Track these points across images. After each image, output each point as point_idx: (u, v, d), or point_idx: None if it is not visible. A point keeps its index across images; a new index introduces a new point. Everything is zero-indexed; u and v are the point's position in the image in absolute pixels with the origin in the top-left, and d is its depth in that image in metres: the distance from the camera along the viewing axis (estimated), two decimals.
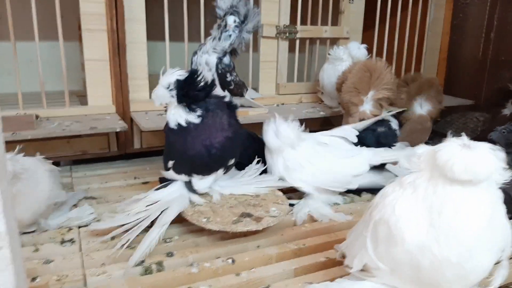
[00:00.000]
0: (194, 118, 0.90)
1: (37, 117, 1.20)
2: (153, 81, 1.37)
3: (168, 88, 0.88)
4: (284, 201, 0.95)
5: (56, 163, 1.29)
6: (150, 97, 1.36)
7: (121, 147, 1.34)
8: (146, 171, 1.31)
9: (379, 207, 0.61)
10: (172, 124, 0.92)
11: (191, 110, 0.90)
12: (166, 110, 0.95)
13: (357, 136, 1.19)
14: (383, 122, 1.28)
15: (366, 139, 1.20)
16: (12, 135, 1.05)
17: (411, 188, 0.59)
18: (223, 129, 0.92)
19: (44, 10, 1.18)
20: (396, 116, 1.42)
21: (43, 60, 1.23)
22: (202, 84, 0.91)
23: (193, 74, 0.90)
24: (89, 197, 1.09)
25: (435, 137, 1.55)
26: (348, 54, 1.51)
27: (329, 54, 1.55)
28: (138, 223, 0.85)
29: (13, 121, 1.08)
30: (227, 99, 0.99)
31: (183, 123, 0.90)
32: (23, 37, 1.40)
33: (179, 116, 0.90)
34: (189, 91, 0.89)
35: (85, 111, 1.28)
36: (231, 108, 0.96)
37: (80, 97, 1.66)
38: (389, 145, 1.21)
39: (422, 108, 1.49)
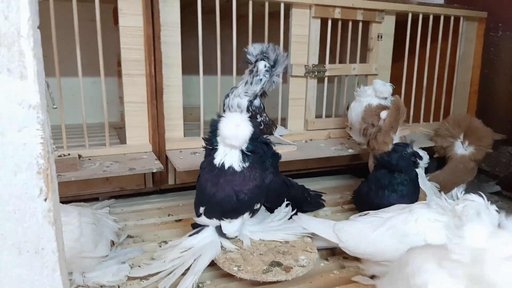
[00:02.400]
0: (238, 167, 0.95)
1: (79, 156, 1.29)
2: (186, 114, 1.46)
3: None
4: (313, 249, 0.98)
5: (95, 199, 1.39)
6: (184, 135, 1.46)
7: (156, 184, 1.41)
8: (179, 207, 1.37)
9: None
10: (217, 161, 0.96)
11: (244, 159, 0.95)
12: (212, 148, 0.99)
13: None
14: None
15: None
16: (57, 177, 1.13)
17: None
18: (254, 179, 0.96)
19: (86, 49, 1.26)
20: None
21: (84, 95, 1.31)
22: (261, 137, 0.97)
23: (256, 127, 0.97)
24: (126, 236, 1.15)
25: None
26: (372, 91, 1.54)
27: (355, 92, 1.58)
28: (173, 271, 0.90)
29: (58, 163, 1.17)
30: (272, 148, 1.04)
31: (226, 166, 0.95)
32: (67, 73, 1.51)
33: (230, 158, 0.95)
34: (254, 141, 0.95)
35: (123, 150, 1.36)
36: (275, 157, 1.01)
37: (117, 129, 1.77)
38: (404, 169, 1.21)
39: (466, 149, 1.51)
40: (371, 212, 1.06)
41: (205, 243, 0.97)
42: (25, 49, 0.36)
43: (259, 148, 0.99)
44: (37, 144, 0.38)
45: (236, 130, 0.94)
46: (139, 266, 0.97)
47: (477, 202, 0.88)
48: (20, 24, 0.35)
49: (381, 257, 0.94)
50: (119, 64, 1.85)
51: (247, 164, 0.96)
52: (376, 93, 1.52)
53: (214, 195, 0.97)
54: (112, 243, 1.04)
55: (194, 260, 0.92)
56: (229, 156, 0.96)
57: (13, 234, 0.39)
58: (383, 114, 1.35)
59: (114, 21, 1.78)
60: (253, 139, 0.97)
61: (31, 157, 0.38)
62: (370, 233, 0.97)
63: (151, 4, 1.28)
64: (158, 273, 0.91)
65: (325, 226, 1.05)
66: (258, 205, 1.03)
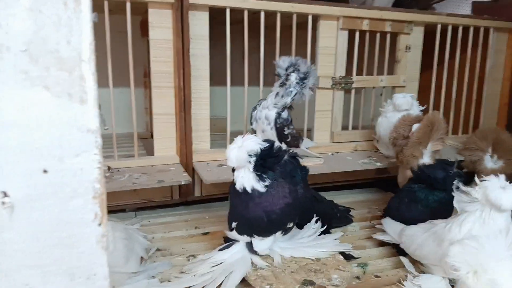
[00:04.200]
0: (260, 187, 0.93)
1: (109, 168, 1.29)
2: (210, 125, 1.46)
3: (248, 154, 0.93)
4: (345, 267, 0.96)
5: (122, 210, 1.39)
6: (210, 146, 1.46)
7: (183, 195, 1.41)
8: (206, 219, 1.36)
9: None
10: (238, 186, 0.96)
11: (261, 179, 0.94)
12: (233, 169, 0.99)
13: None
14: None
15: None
16: None
17: None
18: (284, 196, 0.95)
19: (113, 59, 1.28)
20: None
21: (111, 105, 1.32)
22: (275, 155, 0.95)
23: (272, 145, 0.94)
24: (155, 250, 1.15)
25: None
26: (393, 106, 1.51)
27: (381, 109, 1.56)
28: (204, 286, 0.89)
29: None
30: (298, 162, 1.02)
31: (249, 190, 0.94)
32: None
33: (247, 181, 0.94)
34: (266, 162, 0.93)
35: (151, 162, 1.36)
36: (303, 171, 0.99)
37: (143, 140, 1.78)
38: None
39: (495, 163, 1.45)
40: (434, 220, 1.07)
41: (236, 258, 0.96)
42: (86, 74, 0.35)
43: (272, 166, 0.97)
44: (94, 169, 0.38)
45: (230, 151, 0.94)
46: (169, 281, 0.96)
47: (490, 183, 0.94)
48: (82, 49, 0.35)
49: (424, 259, 1.01)
50: (145, 75, 1.88)
51: (267, 182, 0.95)
52: (395, 107, 1.49)
53: (245, 216, 0.96)
54: (141, 260, 1.03)
55: (225, 277, 0.91)
56: (246, 178, 0.95)
57: (66, 260, 0.38)
58: (415, 126, 1.32)
59: (141, 33, 1.81)
60: (265, 158, 0.95)
61: (88, 182, 0.38)
62: (419, 237, 1.02)
63: (181, 17, 1.29)
64: (188, 287, 0.90)
65: (397, 227, 1.16)
66: (291, 224, 1.01)
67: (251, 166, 0.93)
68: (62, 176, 0.36)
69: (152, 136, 1.41)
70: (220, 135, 1.62)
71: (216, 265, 0.95)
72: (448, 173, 1.17)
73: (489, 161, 1.47)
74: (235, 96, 1.62)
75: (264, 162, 0.93)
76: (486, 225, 0.91)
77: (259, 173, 0.93)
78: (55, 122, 0.35)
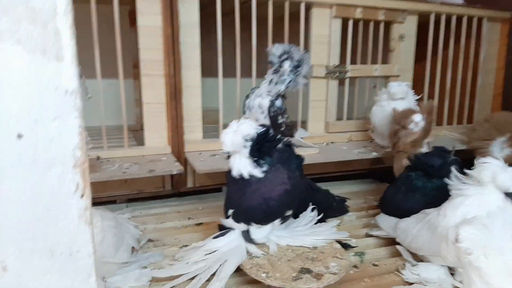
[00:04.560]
0: (258, 172, 0.91)
1: (98, 158, 1.26)
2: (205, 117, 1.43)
3: (244, 138, 0.90)
4: (343, 255, 0.93)
5: (113, 201, 1.36)
6: (203, 136, 1.43)
7: (175, 186, 1.38)
8: (199, 210, 1.33)
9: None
10: (235, 173, 0.93)
11: (258, 165, 0.91)
12: (229, 156, 0.96)
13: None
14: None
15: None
16: None
17: None
18: (283, 182, 0.92)
19: (101, 50, 1.24)
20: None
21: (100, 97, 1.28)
22: (271, 140, 0.92)
23: (268, 129, 0.92)
24: (146, 240, 1.11)
25: None
26: (388, 95, 1.49)
27: (376, 97, 1.54)
28: (197, 275, 0.86)
29: None
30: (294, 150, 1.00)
31: (246, 176, 0.91)
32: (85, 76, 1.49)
33: (243, 167, 0.91)
34: (263, 147, 0.90)
35: (142, 151, 1.33)
36: (298, 159, 0.97)
37: (134, 132, 1.74)
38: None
39: (502, 151, 1.40)
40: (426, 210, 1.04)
41: (231, 247, 0.93)
42: (62, 28, 0.32)
43: (269, 150, 0.94)
44: (74, 135, 0.34)
45: (226, 135, 0.91)
46: (162, 268, 0.93)
47: (493, 164, 0.93)
48: (57, 0, 0.31)
49: (421, 251, 0.98)
50: (135, 66, 1.83)
51: (265, 167, 0.92)
52: (390, 95, 1.46)
53: (242, 204, 0.93)
54: (132, 250, 1.00)
55: (220, 265, 0.88)
56: (242, 164, 0.92)
57: (45, 235, 0.35)
58: (417, 117, 1.29)
59: (130, 23, 1.77)
60: (264, 142, 0.92)
61: (67, 149, 0.34)
62: (413, 228, 1.00)
63: (170, 4, 1.26)
64: (181, 275, 0.87)
65: (391, 222, 1.15)
66: (290, 212, 0.98)
67: (247, 151, 0.90)
68: (38, 142, 0.33)
69: (142, 128, 1.38)
70: (212, 127, 1.58)
71: (210, 253, 0.92)
72: (445, 160, 1.16)
73: (497, 148, 1.44)
74: (228, 88, 1.59)
75: (261, 147, 0.90)
76: (483, 207, 0.89)
77: (255, 158, 0.91)
78: (28, 80, 0.31)
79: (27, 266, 0.34)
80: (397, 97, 1.46)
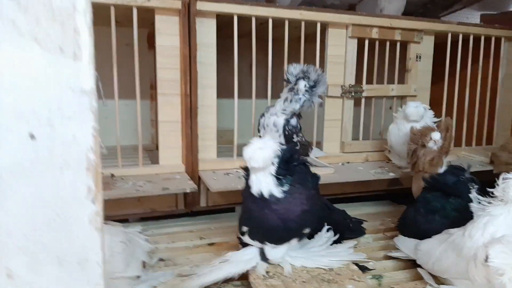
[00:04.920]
0: (278, 192, 0.89)
1: (112, 176, 1.26)
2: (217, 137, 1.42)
3: (274, 153, 0.88)
4: (360, 277, 0.90)
5: (125, 220, 1.34)
6: (217, 155, 1.42)
7: (188, 205, 1.36)
8: (211, 230, 1.31)
9: None
10: (254, 191, 0.91)
11: (280, 183, 0.89)
12: (247, 173, 0.94)
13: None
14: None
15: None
16: None
17: None
18: (302, 203, 0.90)
19: (119, 72, 1.26)
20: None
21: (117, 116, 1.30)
22: (296, 158, 0.91)
23: (292, 148, 0.91)
24: (158, 260, 1.09)
25: None
26: (404, 115, 1.47)
27: (394, 114, 1.52)
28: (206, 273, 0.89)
29: None
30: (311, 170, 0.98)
31: (266, 195, 0.89)
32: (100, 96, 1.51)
33: (265, 185, 0.89)
34: (288, 165, 0.89)
35: (156, 170, 1.33)
36: (314, 178, 0.95)
37: (149, 152, 1.74)
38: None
39: None
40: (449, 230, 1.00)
41: (243, 259, 0.92)
42: (81, 27, 0.32)
43: (292, 169, 0.92)
44: (88, 136, 0.33)
45: (254, 152, 0.88)
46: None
47: None
48: None
49: (445, 273, 0.93)
50: (151, 87, 1.86)
51: (286, 187, 0.90)
52: (405, 116, 1.44)
53: (260, 223, 0.91)
54: (144, 264, 0.98)
55: (220, 268, 0.89)
56: (264, 182, 0.90)
57: (54, 242, 0.33)
58: (436, 135, 1.26)
59: (149, 46, 1.80)
60: (286, 161, 0.90)
61: (80, 152, 0.33)
62: (436, 250, 0.95)
63: (188, 25, 1.28)
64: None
65: (410, 244, 1.10)
66: (307, 230, 0.96)
67: (274, 168, 0.88)
68: (52, 143, 0.32)
69: (157, 148, 1.38)
70: (227, 147, 1.58)
71: (223, 261, 0.93)
72: (459, 178, 1.12)
73: None
74: (243, 109, 1.59)
75: (286, 165, 0.89)
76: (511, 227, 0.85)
77: (280, 177, 0.89)
78: (44, 80, 0.31)
79: (35, 274, 0.33)
80: (411, 118, 1.43)
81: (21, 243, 0.32)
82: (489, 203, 0.93)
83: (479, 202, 0.96)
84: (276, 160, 0.88)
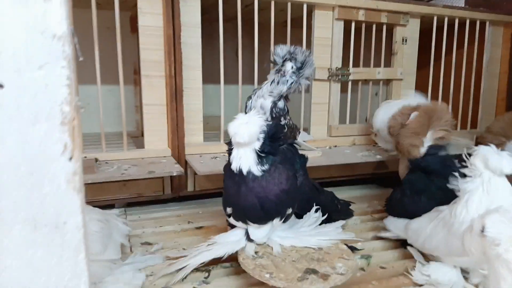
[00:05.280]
0: (257, 170, 0.87)
1: (96, 160, 1.22)
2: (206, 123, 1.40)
3: (260, 129, 0.86)
4: (350, 256, 0.89)
5: (111, 205, 1.31)
6: (203, 140, 1.39)
7: (175, 190, 1.34)
8: (199, 214, 1.29)
9: None
10: (234, 166, 0.89)
11: (260, 162, 0.87)
12: (228, 151, 0.92)
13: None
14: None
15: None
16: None
17: None
18: (280, 183, 0.88)
19: (102, 56, 1.22)
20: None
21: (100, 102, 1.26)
22: (281, 136, 0.89)
23: (277, 124, 0.89)
24: (144, 243, 1.07)
25: None
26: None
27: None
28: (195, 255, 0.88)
29: None
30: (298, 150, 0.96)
31: (244, 172, 0.87)
32: (82, 81, 1.46)
33: (245, 161, 0.87)
34: (273, 143, 0.87)
35: (141, 154, 1.30)
36: (302, 159, 0.93)
37: (134, 138, 1.71)
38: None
39: None
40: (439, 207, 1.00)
41: (230, 240, 0.91)
42: None
43: (277, 148, 0.90)
44: (62, 86, 0.30)
45: (240, 126, 0.85)
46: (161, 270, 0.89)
47: (483, 149, 0.91)
48: None
49: (436, 250, 0.93)
50: (135, 72, 1.82)
51: (266, 166, 0.87)
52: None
53: (238, 201, 0.90)
54: (130, 249, 0.96)
55: (208, 250, 0.88)
56: (244, 159, 0.87)
57: (27, 203, 0.31)
58: (413, 115, 1.27)
59: (131, 29, 1.76)
60: (272, 139, 0.88)
61: (53, 103, 0.31)
62: (426, 227, 0.95)
63: (171, 4, 1.24)
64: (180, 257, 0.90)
65: (400, 224, 1.10)
66: (290, 210, 0.94)
67: (259, 144, 0.86)
68: (21, 93, 0.29)
69: (142, 135, 1.35)
70: (213, 134, 1.55)
71: (211, 244, 0.91)
72: (441, 157, 1.13)
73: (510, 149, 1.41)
74: (228, 95, 1.57)
75: (272, 141, 0.87)
76: (492, 196, 0.86)
77: (263, 155, 0.87)
78: (11, 22, 0.28)
79: (6, 238, 0.30)
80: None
81: None
82: (466, 177, 0.93)
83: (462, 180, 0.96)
84: (261, 136, 0.86)
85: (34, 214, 0.32)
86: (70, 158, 0.32)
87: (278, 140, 0.92)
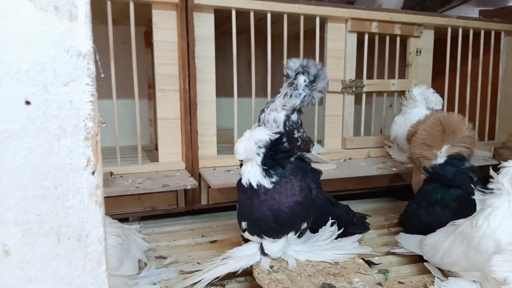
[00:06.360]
0: (267, 183, 0.86)
1: (111, 174, 1.23)
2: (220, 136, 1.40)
3: (257, 144, 0.86)
4: (367, 271, 0.87)
5: (125, 219, 1.32)
6: (217, 153, 1.40)
7: (189, 203, 1.34)
8: (213, 228, 1.29)
9: None
10: (244, 181, 0.89)
11: (268, 174, 0.87)
12: (240, 165, 0.93)
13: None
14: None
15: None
16: None
17: None
18: (293, 194, 0.88)
19: (116, 70, 1.24)
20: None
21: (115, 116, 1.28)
22: (286, 149, 0.89)
23: (281, 136, 0.88)
24: (158, 257, 1.07)
25: None
26: (423, 100, 1.44)
27: (402, 102, 1.50)
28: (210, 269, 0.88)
29: None
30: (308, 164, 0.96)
31: (254, 185, 0.87)
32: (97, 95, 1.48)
33: (253, 175, 0.87)
34: (276, 154, 0.87)
35: (156, 167, 1.30)
36: (315, 173, 0.93)
37: (147, 151, 1.72)
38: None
39: None
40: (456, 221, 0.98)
41: (245, 254, 0.90)
42: None
43: (282, 160, 0.90)
44: (86, 103, 0.31)
45: (239, 143, 0.87)
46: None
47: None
48: None
49: (456, 266, 0.90)
50: (149, 86, 1.84)
51: (275, 178, 0.87)
52: (427, 103, 1.42)
53: (251, 215, 0.89)
54: (145, 263, 0.96)
55: (223, 265, 0.88)
56: (252, 173, 0.88)
57: (52, 216, 0.31)
58: (417, 122, 1.26)
59: (145, 44, 1.79)
60: (275, 151, 0.88)
61: (78, 119, 0.31)
62: (443, 242, 0.92)
63: (185, 18, 1.26)
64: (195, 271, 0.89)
65: (414, 240, 1.07)
66: (305, 224, 0.93)
67: (260, 158, 0.86)
68: (47, 109, 0.30)
69: (156, 148, 1.36)
70: (226, 147, 1.56)
71: (226, 258, 0.91)
72: (459, 168, 1.11)
73: None
74: (241, 108, 1.58)
75: (274, 154, 0.87)
76: None
77: (266, 167, 0.87)
78: (38, 40, 0.29)
79: (32, 251, 0.31)
80: (434, 107, 1.42)
81: (17, 216, 0.30)
82: (490, 193, 0.91)
83: (482, 193, 0.94)
84: (262, 150, 0.86)
85: (58, 226, 0.32)
86: (93, 172, 0.33)
87: (283, 152, 0.91)
